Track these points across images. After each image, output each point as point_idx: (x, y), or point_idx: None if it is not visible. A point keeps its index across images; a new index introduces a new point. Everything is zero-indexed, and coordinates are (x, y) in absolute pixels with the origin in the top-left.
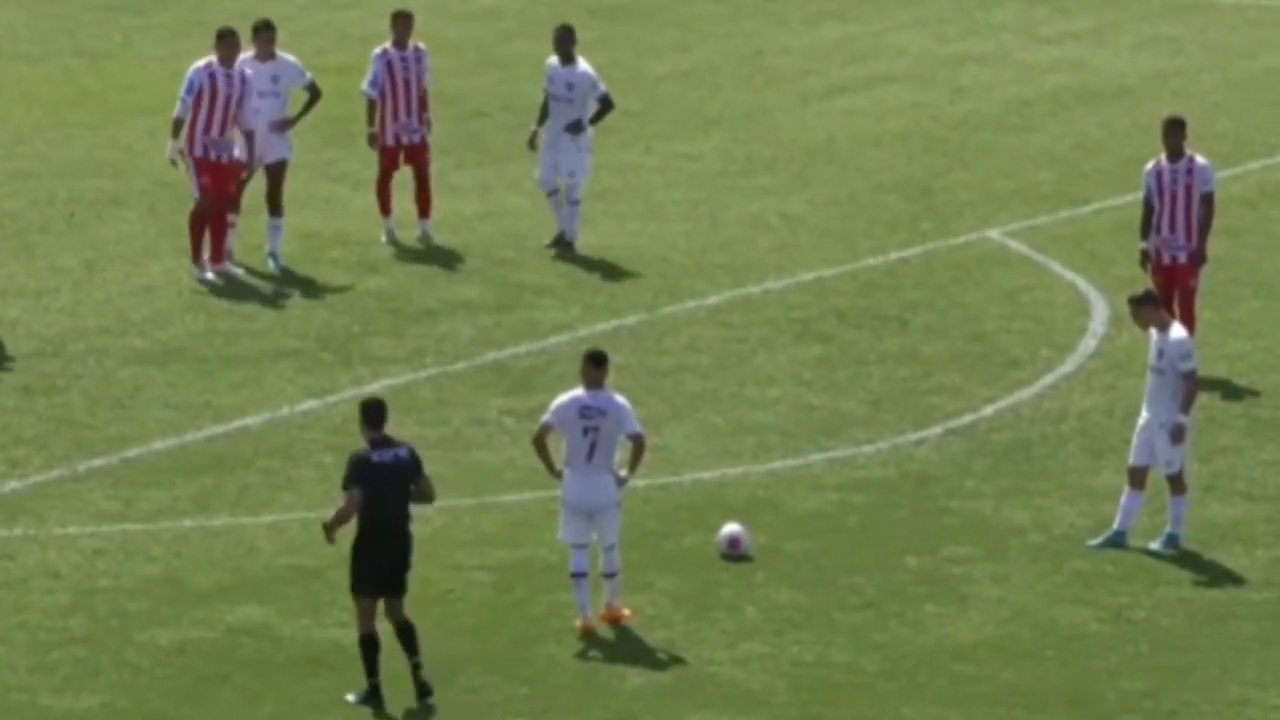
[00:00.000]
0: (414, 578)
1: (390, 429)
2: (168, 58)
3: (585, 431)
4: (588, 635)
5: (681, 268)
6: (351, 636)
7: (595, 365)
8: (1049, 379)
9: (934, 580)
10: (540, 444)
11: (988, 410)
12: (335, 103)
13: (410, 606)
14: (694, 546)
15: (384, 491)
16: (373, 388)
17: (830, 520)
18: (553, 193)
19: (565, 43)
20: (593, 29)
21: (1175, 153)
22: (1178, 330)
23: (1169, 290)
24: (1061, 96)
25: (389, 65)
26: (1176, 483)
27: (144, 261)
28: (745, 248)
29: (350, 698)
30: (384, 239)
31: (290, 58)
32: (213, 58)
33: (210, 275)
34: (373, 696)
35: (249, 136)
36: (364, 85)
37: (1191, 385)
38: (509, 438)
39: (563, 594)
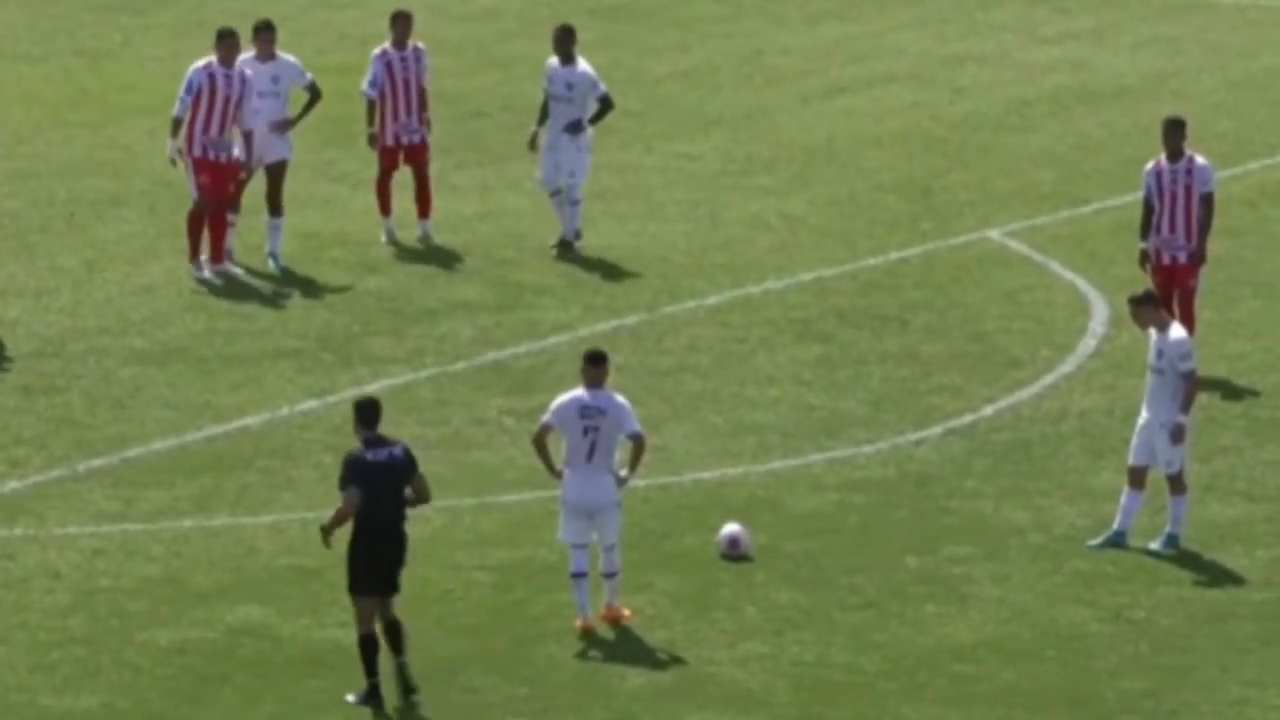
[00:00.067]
0: (414, 578)
1: (391, 429)
2: (168, 58)
3: (585, 431)
4: (588, 635)
5: (681, 268)
6: (351, 637)
7: (595, 365)
8: (1049, 379)
9: (934, 580)
10: (540, 444)
11: (988, 410)
12: (335, 103)
13: (410, 606)
14: (694, 546)
15: (380, 491)
16: (373, 388)
17: (830, 520)
18: (555, 193)
19: (565, 43)
20: (593, 29)
21: (1175, 153)
22: (1177, 330)
23: (1169, 290)
24: (1061, 96)
25: (388, 65)
26: (1176, 483)
27: (144, 261)
28: (745, 248)
29: (350, 698)
30: (384, 239)
31: (290, 58)
32: (212, 58)
33: (206, 274)
34: (372, 696)
35: (248, 137)
36: (364, 85)
37: (1191, 385)
38: (509, 438)
39: (563, 594)
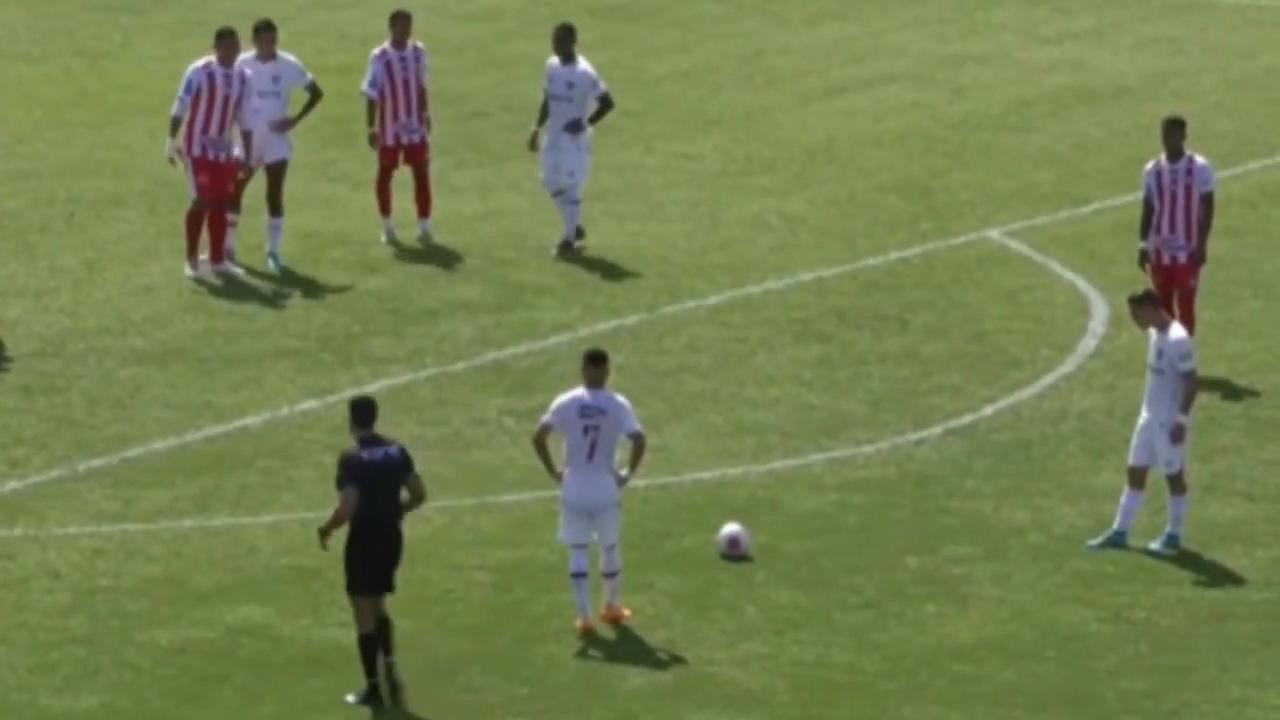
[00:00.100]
0: (414, 578)
1: (391, 429)
2: (168, 58)
3: (585, 431)
4: (588, 635)
5: (681, 268)
6: (351, 636)
7: (595, 365)
8: (1049, 379)
9: (934, 580)
10: (541, 444)
11: (988, 410)
12: (335, 103)
13: (410, 606)
14: (694, 546)
15: (376, 490)
16: (373, 388)
17: (830, 520)
18: (558, 194)
19: (565, 42)
20: (593, 29)
21: (1175, 153)
22: (1177, 330)
23: (1169, 290)
24: (1061, 96)
25: (388, 65)
26: (1176, 483)
27: (144, 261)
28: (745, 248)
29: (350, 698)
30: (384, 239)
31: (291, 58)
32: (212, 58)
33: (198, 273)
34: (373, 696)
35: (247, 136)
36: (364, 86)
37: (1191, 385)
38: (509, 438)
39: (563, 594)
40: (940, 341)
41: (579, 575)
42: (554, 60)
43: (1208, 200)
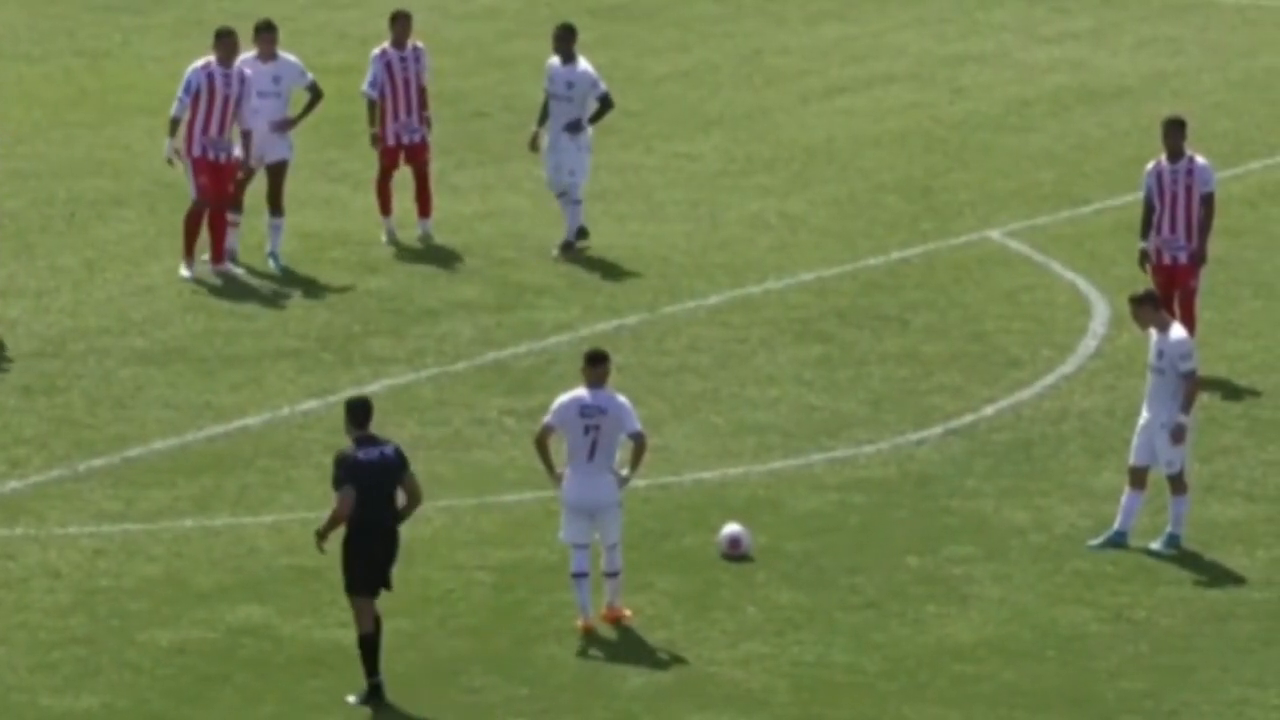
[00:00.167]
0: (414, 578)
1: (391, 429)
2: (168, 58)
3: (586, 431)
4: (588, 635)
5: (681, 268)
6: (351, 636)
7: (596, 365)
8: (1049, 379)
9: (934, 580)
10: (542, 445)
11: (988, 410)
12: (335, 103)
13: (410, 606)
14: (694, 546)
15: (372, 490)
16: (373, 388)
17: (830, 520)
18: (562, 194)
19: (565, 42)
20: (593, 29)
21: (1175, 153)
22: (1178, 330)
23: (1169, 290)
24: (1061, 96)
25: (388, 65)
26: (1177, 483)
27: (144, 261)
28: (745, 248)
29: (351, 698)
30: (384, 239)
31: (292, 58)
32: (211, 58)
33: (194, 273)
34: (373, 696)
35: (247, 136)
36: (364, 86)
37: (1192, 385)
38: (509, 438)
39: (563, 594)
40: (941, 341)
41: (580, 575)
42: (554, 60)
43: (1208, 200)
